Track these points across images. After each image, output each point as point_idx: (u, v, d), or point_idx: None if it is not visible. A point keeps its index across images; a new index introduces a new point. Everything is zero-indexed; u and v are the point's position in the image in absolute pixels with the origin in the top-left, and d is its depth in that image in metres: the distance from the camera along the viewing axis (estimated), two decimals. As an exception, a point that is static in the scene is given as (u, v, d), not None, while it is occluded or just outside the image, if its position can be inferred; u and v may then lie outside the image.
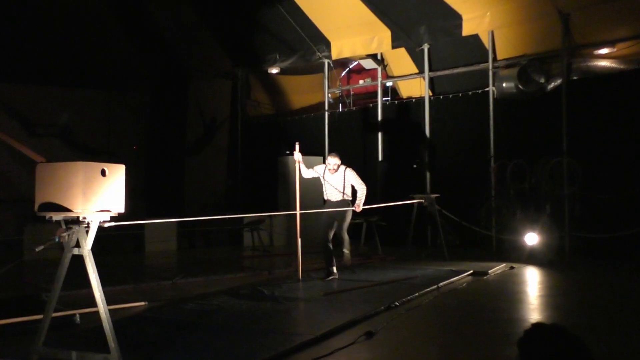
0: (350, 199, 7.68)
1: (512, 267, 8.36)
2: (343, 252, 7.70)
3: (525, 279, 7.74)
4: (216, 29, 14.17)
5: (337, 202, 7.63)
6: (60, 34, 12.54)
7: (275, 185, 13.28)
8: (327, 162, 7.79)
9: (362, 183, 7.66)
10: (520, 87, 10.16)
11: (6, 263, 6.30)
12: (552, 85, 10.28)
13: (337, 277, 7.47)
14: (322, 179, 7.74)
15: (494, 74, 10.74)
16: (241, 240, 12.27)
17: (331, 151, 8.27)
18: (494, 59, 10.84)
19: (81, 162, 3.70)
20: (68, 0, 12.63)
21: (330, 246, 7.55)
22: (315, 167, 7.87)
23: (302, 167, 7.72)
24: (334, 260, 7.56)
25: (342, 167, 7.66)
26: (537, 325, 1.94)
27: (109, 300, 4.32)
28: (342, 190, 7.62)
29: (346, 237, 7.67)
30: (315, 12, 12.16)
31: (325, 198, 7.80)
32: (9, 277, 7.22)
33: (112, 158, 12.93)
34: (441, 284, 6.90)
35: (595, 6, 9.61)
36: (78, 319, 5.17)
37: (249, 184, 14.62)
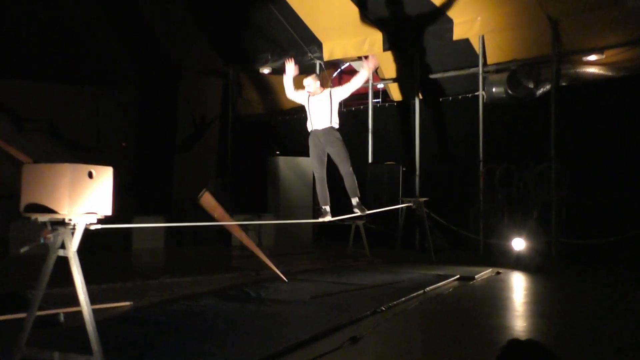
0: (338, 127, 7.00)
1: (498, 273, 8.40)
2: (352, 204, 7.04)
3: (512, 284, 7.79)
4: (207, 26, 14.12)
5: (323, 130, 6.98)
6: (48, 29, 12.46)
7: (264, 185, 13.27)
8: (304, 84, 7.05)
9: (355, 78, 6.99)
10: (510, 92, 10.20)
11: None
12: (541, 90, 10.34)
13: (330, 218, 7.07)
14: (306, 106, 7.10)
15: (484, 78, 10.79)
16: (229, 239, 12.24)
17: None
18: (484, 64, 10.88)
19: (68, 164, 3.69)
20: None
21: (325, 183, 7.07)
22: (297, 92, 7.24)
23: (290, 83, 7.22)
24: (328, 199, 7.13)
25: (328, 90, 7.01)
26: (513, 343, 1.96)
27: (94, 300, 4.31)
28: (329, 115, 6.91)
29: (351, 177, 6.99)
30: (307, 13, 12.15)
31: (310, 129, 7.13)
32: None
33: (101, 155, 12.87)
34: (427, 288, 6.92)
35: (584, 13, 9.66)
36: (62, 318, 5.15)
37: (239, 182, 14.59)
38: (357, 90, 13.75)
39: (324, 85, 7.10)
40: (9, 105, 12.48)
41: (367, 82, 12.90)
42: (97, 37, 13.58)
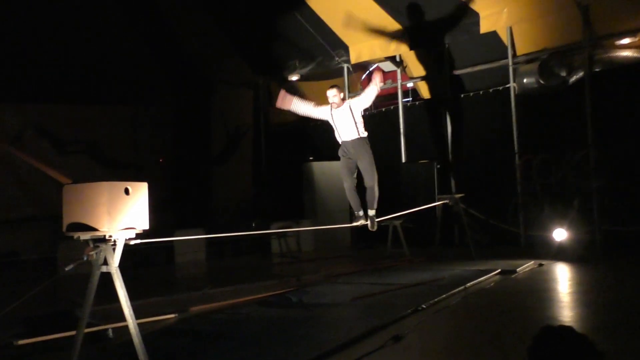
0: (366, 135, 6.86)
1: (541, 265, 8.28)
2: (367, 216, 6.96)
3: (555, 276, 7.66)
4: (235, 38, 14.31)
5: (352, 141, 6.84)
6: (82, 52, 12.80)
7: (300, 191, 13.35)
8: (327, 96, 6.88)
9: (367, 92, 6.82)
10: (542, 81, 10.06)
11: (42, 280, 6.45)
12: (574, 78, 10.15)
13: (363, 222, 6.94)
14: (330, 121, 6.92)
15: (514, 69, 10.66)
16: (269, 247, 12.35)
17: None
18: (514, 55, 10.75)
19: (105, 182, 3.81)
20: (91, 17, 12.89)
21: (354, 191, 6.94)
22: (318, 108, 6.90)
23: (303, 105, 6.93)
24: (360, 205, 7.01)
25: (347, 102, 6.86)
26: (546, 329, 1.95)
27: (140, 314, 4.42)
28: (354, 127, 6.79)
29: (373, 192, 6.87)
30: (332, 18, 12.21)
31: (340, 141, 6.99)
32: (45, 293, 7.39)
33: (140, 171, 13.14)
34: (469, 284, 6.87)
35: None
36: (111, 333, 5.28)
37: (275, 190, 14.70)
38: (387, 90, 13.86)
39: (344, 97, 6.89)
40: (49, 128, 12.83)
41: (395, 81, 12.93)
42: (131, 56, 13.88)
